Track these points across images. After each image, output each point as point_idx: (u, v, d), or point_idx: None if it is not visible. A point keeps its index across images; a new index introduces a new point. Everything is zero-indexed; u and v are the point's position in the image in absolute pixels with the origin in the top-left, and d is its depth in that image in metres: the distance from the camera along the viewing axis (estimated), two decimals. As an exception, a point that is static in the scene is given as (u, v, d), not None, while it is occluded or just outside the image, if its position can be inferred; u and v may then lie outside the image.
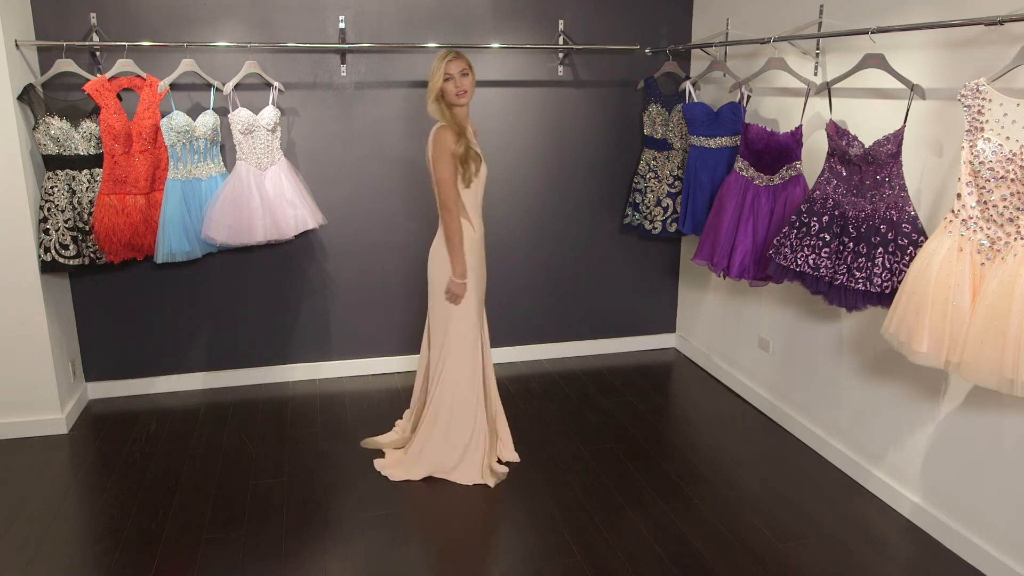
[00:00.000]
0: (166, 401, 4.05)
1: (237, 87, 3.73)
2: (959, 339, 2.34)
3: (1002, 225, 2.29)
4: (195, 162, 3.65)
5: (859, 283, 2.79)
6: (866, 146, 2.82)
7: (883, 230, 2.74)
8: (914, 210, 2.70)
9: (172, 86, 3.62)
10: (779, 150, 3.36)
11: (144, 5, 3.72)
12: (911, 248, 2.67)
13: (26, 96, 3.39)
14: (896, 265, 2.70)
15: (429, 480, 3.24)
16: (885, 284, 2.72)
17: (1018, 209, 2.25)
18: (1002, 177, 2.26)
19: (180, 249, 3.62)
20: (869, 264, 2.77)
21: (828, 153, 2.99)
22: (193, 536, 2.85)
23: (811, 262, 3.00)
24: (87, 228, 3.52)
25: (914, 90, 2.70)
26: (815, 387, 3.50)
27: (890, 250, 2.72)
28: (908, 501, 2.96)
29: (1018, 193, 2.25)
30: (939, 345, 2.38)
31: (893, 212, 2.72)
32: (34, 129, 3.41)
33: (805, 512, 3.00)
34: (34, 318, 3.53)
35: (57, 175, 3.46)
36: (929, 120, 2.74)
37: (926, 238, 2.63)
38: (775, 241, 3.17)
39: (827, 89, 3.05)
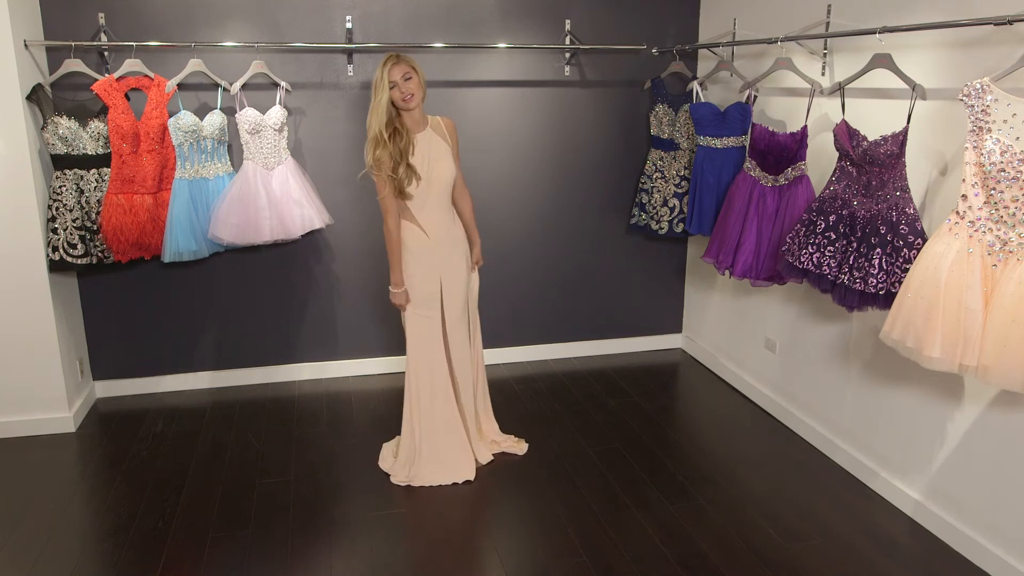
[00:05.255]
0: (173, 400, 4.06)
1: (244, 87, 3.74)
2: (973, 343, 2.31)
3: (1014, 227, 2.27)
4: (202, 162, 3.66)
5: (856, 283, 2.79)
6: (863, 146, 2.82)
7: (883, 231, 2.73)
8: (915, 211, 2.68)
9: (180, 86, 3.64)
10: (781, 151, 3.35)
11: (152, 5, 3.73)
12: (906, 250, 2.65)
13: (35, 96, 3.40)
14: (892, 266, 2.69)
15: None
16: (881, 285, 2.71)
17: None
18: (1014, 178, 2.24)
19: (187, 248, 3.63)
20: (866, 264, 2.76)
21: (839, 153, 2.99)
22: (200, 534, 2.86)
23: (815, 260, 2.99)
24: (95, 227, 3.53)
25: (916, 90, 2.69)
26: (821, 388, 3.49)
27: (888, 251, 2.70)
28: (915, 503, 2.95)
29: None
30: (952, 349, 2.35)
31: (893, 213, 2.71)
32: (43, 129, 3.43)
33: (811, 513, 2.99)
34: (42, 317, 3.54)
35: (65, 174, 3.48)
36: (938, 120, 2.73)
37: (924, 240, 2.62)
38: (787, 239, 3.17)
39: (840, 89, 3.04)
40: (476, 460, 3.33)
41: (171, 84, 3.58)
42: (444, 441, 3.24)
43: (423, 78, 3.00)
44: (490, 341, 4.52)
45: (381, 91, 2.92)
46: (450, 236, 3.19)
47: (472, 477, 3.24)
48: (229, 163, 3.78)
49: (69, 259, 3.50)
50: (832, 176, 3.01)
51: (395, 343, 4.40)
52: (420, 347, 3.20)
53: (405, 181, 2.99)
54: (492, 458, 3.40)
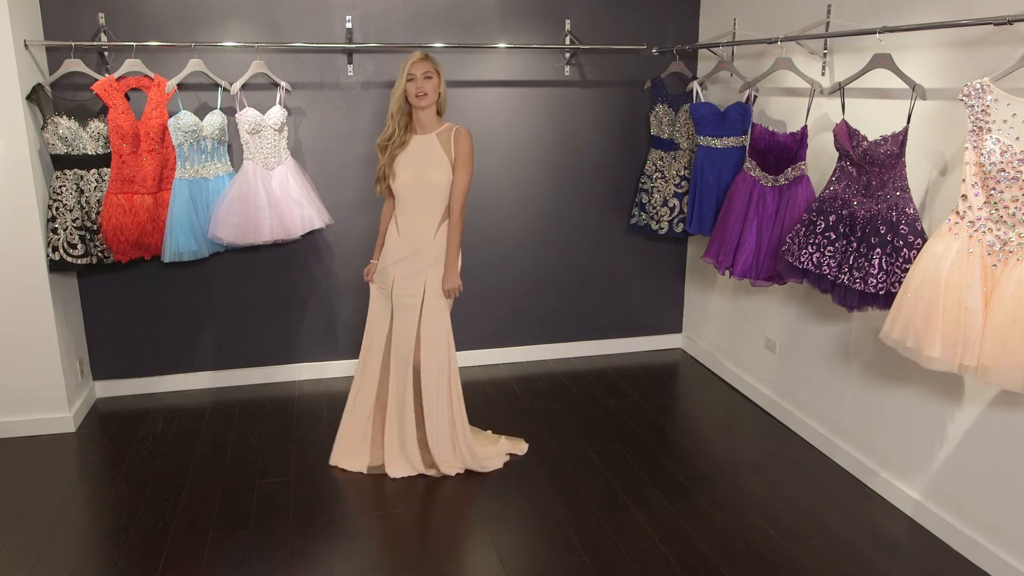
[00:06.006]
0: (173, 400, 4.06)
1: (244, 87, 3.74)
2: (973, 343, 2.31)
3: (1013, 227, 2.27)
4: (202, 162, 3.66)
5: (856, 283, 2.79)
6: (863, 146, 2.82)
7: (882, 231, 2.73)
8: (915, 211, 2.68)
9: (180, 86, 3.63)
10: (781, 151, 3.36)
11: (152, 5, 3.73)
12: (906, 250, 2.65)
13: (35, 96, 3.40)
14: (892, 266, 2.69)
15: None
16: (880, 285, 2.71)
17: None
18: (1013, 178, 2.24)
19: (187, 248, 3.63)
20: (866, 264, 2.76)
21: (839, 153, 2.99)
22: (199, 534, 2.86)
23: (815, 260, 3.00)
24: (95, 227, 3.53)
25: (915, 90, 2.69)
26: (821, 388, 3.49)
27: (888, 251, 2.70)
28: (915, 503, 2.95)
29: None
30: (952, 349, 2.35)
31: (894, 213, 2.71)
32: (43, 129, 3.43)
33: (811, 513, 2.99)
34: (42, 317, 3.54)
35: (65, 175, 3.48)
36: (938, 120, 2.73)
37: (924, 240, 2.62)
38: (787, 239, 3.17)
39: (840, 89, 3.04)
40: (386, 464, 3.26)
41: (171, 84, 3.58)
42: (354, 420, 3.31)
43: (443, 86, 3.09)
44: (490, 341, 4.53)
45: (399, 81, 3.04)
46: (420, 245, 3.13)
47: (363, 469, 3.26)
48: (229, 163, 3.78)
49: (69, 259, 3.50)
50: (832, 176, 3.01)
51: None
52: (370, 316, 3.29)
53: (384, 174, 3.14)
54: (407, 475, 3.24)
